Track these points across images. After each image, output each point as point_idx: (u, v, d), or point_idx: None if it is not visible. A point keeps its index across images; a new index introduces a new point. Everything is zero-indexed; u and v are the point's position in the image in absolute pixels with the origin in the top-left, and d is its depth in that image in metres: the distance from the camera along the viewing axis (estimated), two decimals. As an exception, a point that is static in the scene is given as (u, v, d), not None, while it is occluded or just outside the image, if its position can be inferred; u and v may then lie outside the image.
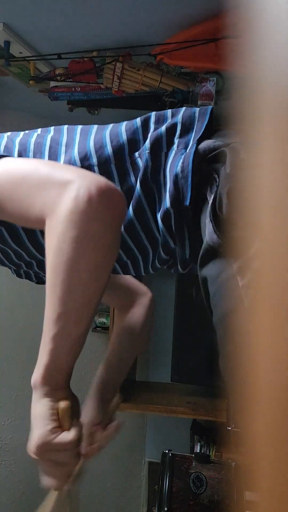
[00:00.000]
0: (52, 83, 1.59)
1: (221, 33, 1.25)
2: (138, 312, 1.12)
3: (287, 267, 0.21)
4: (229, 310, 0.63)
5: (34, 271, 0.91)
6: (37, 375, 0.63)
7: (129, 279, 1.12)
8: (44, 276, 0.94)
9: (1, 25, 1.31)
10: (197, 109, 0.80)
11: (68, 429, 0.63)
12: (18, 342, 2.03)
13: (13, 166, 0.67)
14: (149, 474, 2.34)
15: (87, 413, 0.93)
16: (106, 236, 0.60)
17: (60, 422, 0.63)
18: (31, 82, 1.52)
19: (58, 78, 1.52)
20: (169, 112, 0.81)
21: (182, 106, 1.59)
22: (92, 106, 1.69)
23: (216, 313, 0.68)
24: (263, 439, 0.22)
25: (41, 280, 0.98)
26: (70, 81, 1.53)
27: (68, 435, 0.61)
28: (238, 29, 0.25)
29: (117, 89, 1.48)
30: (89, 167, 0.74)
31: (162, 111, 0.82)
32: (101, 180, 0.60)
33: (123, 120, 0.81)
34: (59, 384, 0.63)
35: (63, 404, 0.62)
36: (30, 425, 0.61)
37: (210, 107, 0.80)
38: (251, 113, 0.24)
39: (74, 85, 1.58)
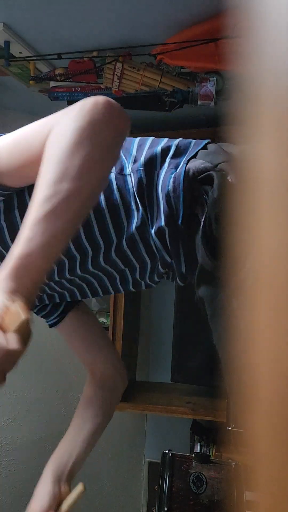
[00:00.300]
0: (52, 83, 1.59)
1: (221, 33, 1.25)
2: (114, 393, 1.06)
3: (281, 284, 0.21)
4: (226, 332, 0.64)
5: None
6: (6, 267, 0.53)
7: (109, 344, 1.07)
8: None
9: (1, 25, 1.31)
10: (194, 140, 0.82)
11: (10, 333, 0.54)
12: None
13: (11, 134, 0.69)
14: (149, 474, 2.34)
15: (39, 498, 0.87)
16: (107, 136, 0.60)
17: (4, 325, 0.55)
18: (31, 82, 1.52)
19: (58, 78, 1.52)
20: (165, 138, 0.82)
21: (182, 106, 1.59)
22: (92, 106, 1.69)
23: (216, 333, 0.69)
24: (263, 439, 0.22)
25: None
26: (70, 81, 1.53)
27: (9, 342, 0.55)
28: (238, 29, 0.25)
29: (117, 89, 1.48)
30: None
31: (159, 138, 0.83)
32: (105, 97, 0.62)
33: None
34: (24, 287, 0.53)
35: (15, 306, 0.53)
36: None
37: (207, 140, 0.82)
38: (251, 113, 0.24)
39: (74, 85, 1.58)
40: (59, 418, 2.03)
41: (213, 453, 1.87)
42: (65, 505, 0.88)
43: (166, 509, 1.08)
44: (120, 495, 2.29)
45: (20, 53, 1.43)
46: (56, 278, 0.81)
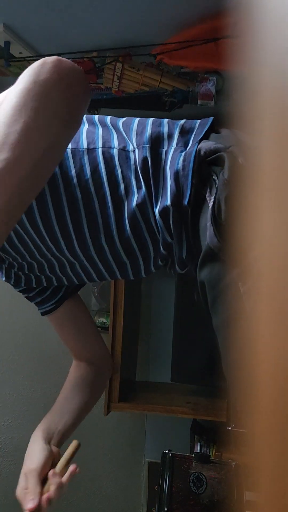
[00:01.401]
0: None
1: (221, 33, 1.25)
2: (100, 381, 1.06)
3: (287, 272, 0.21)
4: (230, 316, 0.63)
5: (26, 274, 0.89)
6: None
7: (99, 338, 1.07)
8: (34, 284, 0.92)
9: (1, 26, 1.31)
10: (198, 120, 0.81)
11: None
12: (18, 342, 2.03)
13: None
14: (149, 474, 2.34)
15: (35, 457, 0.83)
16: (55, 98, 0.55)
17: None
18: (31, 82, 1.52)
19: (58, 78, 1.52)
20: (167, 119, 0.81)
21: (181, 106, 1.59)
22: (92, 106, 1.69)
23: (217, 319, 0.68)
24: (264, 439, 0.22)
25: (28, 289, 0.96)
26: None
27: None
28: (238, 29, 0.25)
29: (117, 89, 1.48)
30: (93, 149, 0.75)
31: (161, 119, 0.82)
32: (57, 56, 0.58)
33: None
34: None
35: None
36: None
37: (211, 118, 0.80)
38: (251, 113, 0.24)
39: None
40: (59, 418, 2.02)
41: (213, 453, 1.87)
42: (63, 460, 0.85)
43: (166, 509, 1.08)
44: (120, 495, 2.29)
45: (20, 53, 1.43)
46: (57, 254, 0.80)
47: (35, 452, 0.84)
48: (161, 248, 0.78)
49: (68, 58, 1.48)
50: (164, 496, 1.10)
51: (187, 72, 1.48)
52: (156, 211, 0.73)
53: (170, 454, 1.17)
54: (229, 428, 1.46)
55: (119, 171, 0.73)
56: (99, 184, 0.73)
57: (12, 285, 0.94)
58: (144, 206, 0.73)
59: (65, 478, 0.81)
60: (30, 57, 1.44)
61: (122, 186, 0.73)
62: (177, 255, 0.78)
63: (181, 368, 2.01)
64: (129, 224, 0.74)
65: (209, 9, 1.22)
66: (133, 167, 0.73)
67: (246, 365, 0.24)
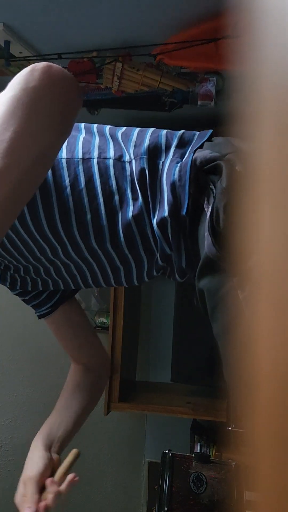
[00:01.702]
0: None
1: (221, 33, 1.25)
2: (98, 384, 1.06)
3: (286, 277, 0.21)
4: (231, 322, 0.63)
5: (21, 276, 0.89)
6: None
7: (97, 341, 1.07)
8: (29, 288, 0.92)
9: (1, 25, 1.31)
10: (198, 132, 0.80)
11: None
12: (18, 342, 2.03)
13: None
14: (149, 474, 2.34)
15: (34, 464, 0.83)
16: (46, 105, 0.55)
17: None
18: (31, 82, 1.52)
19: (58, 78, 1.52)
20: (166, 130, 0.81)
21: (181, 107, 1.59)
22: (92, 106, 1.69)
23: (218, 326, 0.68)
24: (264, 439, 0.22)
25: (23, 292, 0.95)
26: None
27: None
28: (238, 29, 0.25)
29: (117, 89, 1.48)
30: (88, 159, 0.74)
31: (160, 129, 0.81)
32: (47, 62, 0.57)
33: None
34: None
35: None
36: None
37: (210, 131, 0.80)
38: (251, 114, 0.24)
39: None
40: (59, 418, 2.03)
41: (213, 453, 1.87)
42: (62, 468, 0.84)
43: (166, 509, 1.08)
44: (120, 495, 2.29)
45: (20, 53, 1.43)
46: (52, 258, 0.79)
47: (35, 460, 0.84)
48: (159, 260, 0.78)
49: (68, 58, 1.49)
50: (164, 496, 1.10)
51: (187, 72, 1.48)
52: (154, 222, 0.73)
53: (170, 454, 1.17)
54: (229, 428, 1.46)
55: (113, 182, 0.73)
56: (92, 194, 0.72)
57: (7, 287, 0.94)
58: (141, 217, 0.73)
59: (63, 487, 0.81)
60: (30, 56, 1.44)
61: (116, 197, 0.73)
62: (177, 264, 0.78)
63: (181, 368, 2.01)
64: (123, 234, 0.74)
65: (209, 9, 1.22)
66: (129, 178, 0.73)
67: (246, 371, 0.24)
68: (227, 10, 1.01)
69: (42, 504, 0.77)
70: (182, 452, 1.19)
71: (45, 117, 0.55)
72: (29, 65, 0.59)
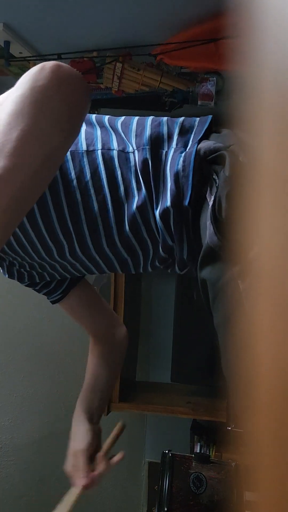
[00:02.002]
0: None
1: (221, 33, 1.25)
2: (117, 346, 1.10)
3: (286, 269, 0.21)
4: (230, 314, 0.63)
5: (28, 271, 0.89)
6: None
7: (108, 309, 1.11)
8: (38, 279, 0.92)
9: (1, 25, 1.31)
10: (198, 118, 0.80)
11: None
12: (18, 342, 2.03)
13: None
14: (149, 474, 2.34)
15: (81, 437, 0.90)
16: (54, 105, 0.54)
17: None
18: (31, 82, 1.52)
19: (58, 78, 1.52)
20: (166, 117, 0.81)
21: (182, 106, 1.59)
22: (92, 106, 1.68)
23: (217, 316, 0.67)
24: (263, 439, 0.22)
25: (31, 283, 0.96)
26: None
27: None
28: (238, 29, 0.25)
29: (117, 89, 1.48)
30: (93, 151, 0.74)
31: (159, 117, 0.81)
32: (56, 61, 0.57)
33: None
34: None
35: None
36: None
37: (210, 116, 0.80)
38: (251, 114, 0.24)
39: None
40: (59, 418, 2.02)
41: (213, 453, 1.87)
42: (108, 441, 0.92)
43: (166, 509, 1.08)
44: (120, 495, 2.29)
45: (20, 53, 1.43)
46: (57, 258, 0.80)
47: (82, 433, 0.91)
48: (161, 251, 0.78)
49: (68, 58, 1.49)
50: (164, 496, 1.10)
51: (187, 72, 1.48)
52: (157, 213, 0.72)
53: (170, 454, 1.17)
54: (229, 428, 1.46)
55: (119, 173, 0.73)
56: (99, 186, 0.73)
57: (17, 280, 0.95)
58: (144, 208, 0.73)
59: (114, 460, 0.90)
60: (30, 57, 1.44)
61: (122, 188, 0.73)
62: (178, 256, 0.78)
63: (181, 368, 2.01)
64: (128, 226, 0.74)
65: (209, 9, 1.22)
66: (133, 168, 0.73)
67: (245, 363, 0.24)
68: (227, 10, 1.01)
69: (96, 473, 0.86)
70: (182, 452, 1.19)
71: (53, 116, 0.54)
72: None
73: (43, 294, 0.99)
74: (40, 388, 2.04)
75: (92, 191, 0.73)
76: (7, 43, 1.38)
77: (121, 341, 1.11)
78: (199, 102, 1.49)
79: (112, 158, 0.73)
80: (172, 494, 1.10)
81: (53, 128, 0.54)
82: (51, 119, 0.54)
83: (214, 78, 1.46)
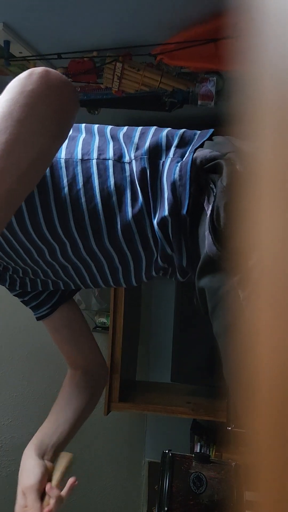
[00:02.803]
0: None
1: (221, 33, 1.25)
2: (96, 389, 1.04)
3: (286, 277, 0.21)
4: (231, 323, 0.63)
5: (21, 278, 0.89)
6: None
7: (94, 344, 1.05)
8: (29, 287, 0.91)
9: (1, 25, 1.31)
10: (199, 131, 0.80)
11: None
12: (18, 342, 2.03)
13: None
14: (149, 474, 2.34)
15: (30, 473, 0.83)
16: (42, 109, 0.55)
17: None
18: (31, 82, 1.52)
19: (58, 78, 1.52)
20: (168, 128, 0.80)
21: (182, 106, 1.59)
22: (92, 106, 1.69)
23: (218, 325, 0.67)
24: (263, 439, 0.22)
25: (22, 291, 0.95)
26: (70, 81, 1.53)
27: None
28: (238, 29, 0.25)
29: (117, 89, 1.48)
30: (88, 160, 0.74)
31: (162, 128, 0.81)
32: (45, 67, 0.58)
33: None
34: None
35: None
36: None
37: (211, 130, 0.80)
38: (251, 114, 0.24)
39: (74, 85, 1.58)
40: (59, 418, 2.03)
41: (213, 453, 1.87)
42: (58, 472, 0.84)
43: (166, 509, 1.08)
44: (120, 495, 2.29)
45: (20, 53, 1.43)
46: (49, 260, 0.80)
47: (31, 468, 0.84)
48: (159, 260, 0.78)
49: (68, 58, 1.49)
50: (164, 496, 1.10)
51: (187, 72, 1.48)
52: (155, 222, 0.73)
53: (170, 454, 1.17)
54: (229, 428, 1.46)
55: (112, 183, 0.73)
56: (90, 195, 0.72)
57: (7, 288, 0.93)
58: (141, 217, 0.73)
59: (64, 491, 0.81)
60: (30, 56, 1.44)
61: (114, 197, 0.73)
62: (178, 264, 0.78)
63: (181, 368, 2.01)
64: (122, 235, 0.74)
65: (209, 10, 1.22)
66: (128, 178, 0.73)
67: (246, 371, 0.24)
68: (227, 10, 1.01)
69: (46, 510, 0.78)
70: (182, 452, 1.19)
71: (42, 120, 0.55)
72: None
73: (31, 307, 0.97)
74: (40, 388, 2.04)
75: (83, 199, 0.73)
76: (7, 43, 1.38)
77: (100, 381, 1.06)
78: (199, 102, 1.49)
79: (107, 167, 0.73)
80: (172, 494, 1.10)
81: (41, 131, 0.55)
82: (39, 122, 0.55)
83: (214, 78, 1.46)
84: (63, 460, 0.87)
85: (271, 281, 0.22)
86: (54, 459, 0.89)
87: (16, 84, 0.56)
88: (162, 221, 0.72)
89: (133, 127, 0.81)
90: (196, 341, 1.93)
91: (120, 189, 0.73)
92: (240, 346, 0.27)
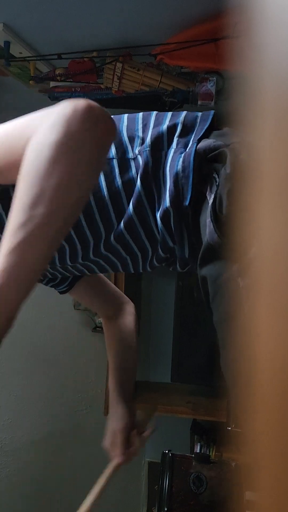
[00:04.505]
0: (52, 83, 1.59)
1: (221, 33, 1.25)
2: (129, 320, 1.15)
3: (287, 268, 0.21)
4: (230, 311, 0.63)
5: None
6: None
7: (113, 288, 1.16)
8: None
9: (1, 25, 1.31)
10: (200, 113, 0.80)
11: None
12: (18, 342, 2.03)
13: None
14: (149, 474, 2.34)
15: (119, 418, 1.01)
16: (87, 150, 0.55)
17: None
18: (31, 82, 1.52)
19: (58, 78, 1.52)
20: (169, 113, 0.80)
21: (182, 106, 1.59)
22: (92, 106, 1.69)
23: (217, 314, 0.67)
24: (264, 439, 0.22)
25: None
26: (70, 81, 1.53)
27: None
28: (238, 29, 0.25)
29: (117, 89, 1.48)
30: None
31: (163, 112, 0.81)
32: (87, 100, 0.58)
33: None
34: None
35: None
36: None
37: (212, 112, 0.79)
38: (251, 113, 0.24)
39: (74, 85, 1.58)
40: (59, 418, 2.02)
41: (213, 453, 1.87)
42: (143, 421, 1.03)
43: (166, 509, 1.08)
44: (120, 495, 2.29)
45: (20, 53, 1.43)
46: (58, 266, 0.82)
47: (120, 414, 1.02)
48: (160, 251, 0.78)
49: (68, 58, 1.49)
50: (164, 496, 1.10)
51: (187, 72, 1.48)
52: (157, 214, 0.73)
53: (170, 454, 1.17)
54: (229, 428, 1.46)
55: (119, 182, 0.73)
56: (99, 196, 0.73)
57: None
58: (143, 210, 0.73)
59: (146, 433, 1.01)
60: (30, 57, 1.44)
61: (123, 194, 0.73)
62: (179, 255, 0.78)
63: (181, 368, 2.01)
64: (124, 226, 0.75)
65: (209, 10, 1.22)
66: (135, 175, 0.73)
67: (244, 361, 0.24)
68: (227, 10, 1.01)
69: (132, 449, 0.98)
70: (182, 452, 1.19)
71: (88, 162, 0.56)
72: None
73: (50, 286, 1.03)
74: (40, 388, 2.04)
75: (93, 205, 0.73)
76: (7, 43, 1.38)
77: (132, 315, 1.16)
78: (199, 102, 1.49)
79: (112, 168, 0.74)
80: (172, 494, 1.10)
81: (87, 173, 0.56)
82: (86, 165, 0.55)
83: (214, 78, 1.46)
84: (149, 410, 1.10)
85: (271, 270, 0.22)
86: (132, 397, 1.07)
87: (61, 121, 0.55)
88: (164, 213, 0.72)
89: (133, 116, 0.80)
90: (196, 341, 1.93)
91: (128, 186, 0.73)
92: (239, 335, 0.27)
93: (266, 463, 0.22)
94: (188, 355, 2.01)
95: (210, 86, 1.46)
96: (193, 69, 1.45)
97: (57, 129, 0.54)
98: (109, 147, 0.62)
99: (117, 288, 1.18)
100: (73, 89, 1.59)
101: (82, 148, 0.55)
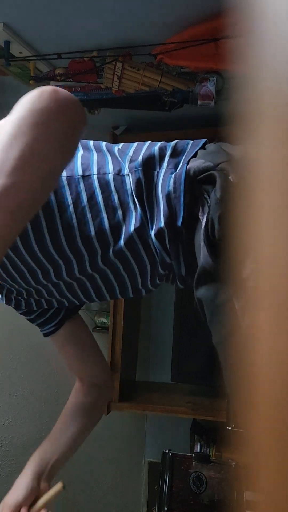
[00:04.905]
0: (52, 83, 1.59)
1: (221, 33, 1.25)
2: (101, 403, 1.07)
3: (282, 286, 0.21)
4: (228, 332, 0.63)
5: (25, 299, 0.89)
6: None
7: (99, 354, 1.06)
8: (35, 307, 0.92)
9: (1, 25, 1.31)
10: (191, 141, 0.81)
11: None
12: (18, 342, 2.03)
13: None
14: (149, 474, 2.34)
15: (16, 491, 0.86)
16: (52, 127, 0.56)
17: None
18: (31, 82, 1.52)
19: (58, 78, 1.52)
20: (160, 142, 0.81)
21: (182, 106, 1.59)
22: (92, 106, 1.69)
23: (216, 335, 0.68)
24: (263, 439, 0.22)
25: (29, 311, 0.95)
26: (70, 81, 1.53)
27: None
28: (238, 29, 0.25)
29: (117, 89, 1.48)
30: (89, 176, 0.75)
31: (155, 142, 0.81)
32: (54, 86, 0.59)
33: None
34: None
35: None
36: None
37: (204, 140, 0.80)
38: (251, 114, 0.24)
39: (74, 85, 1.58)
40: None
41: (213, 453, 1.87)
42: (41, 500, 0.87)
43: (166, 509, 1.08)
44: (120, 495, 2.29)
45: (20, 53, 1.43)
46: (54, 280, 0.80)
47: (20, 487, 0.87)
48: (160, 268, 0.79)
49: (68, 58, 1.49)
50: (164, 496, 1.10)
51: (187, 72, 1.48)
52: (152, 233, 0.73)
53: (170, 454, 1.17)
54: (229, 428, 1.46)
55: (115, 197, 0.73)
56: (96, 210, 0.73)
57: (13, 308, 0.94)
58: (142, 228, 0.74)
59: None
60: (30, 56, 1.44)
61: (119, 211, 0.73)
62: (177, 272, 0.79)
63: (181, 368, 2.01)
64: (125, 246, 0.74)
65: (209, 9, 1.22)
66: (129, 191, 0.74)
67: (245, 380, 0.24)
68: (227, 10, 1.01)
69: None
70: (182, 452, 1.20)
71: (52, 137, 0.56)
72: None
73: (37, 325, 0.98)
74: (40, 388, 2.04)
75: (89, 215, 0.73)
76: (7, 43, 1.38)
77: (106, 395, 1.08)
78: (199, 102, 1.49)
79: (108, 182, 0.74)
80: (172, 494, 1.10)
81: (51, 148, 0.56)
82: (49, 140, 0.56)
83: (214, 78, 1.46)
84: (52, 489, 0.89)
85: (265, 290, 0.22)
86: (51, 478, 0.92)
87: (25, 102, 0.57)
88: (159, 232, 0.73)
89: (128, 143, 0.81)
90: (196, 341, 1.93)
91: (124, 202, 0.74)
92: (238, 357, 0.27)
93: (266, 463, 0.22)
94: (188, 355, 2.01)
95: (210, 86, 1.46)
96: (193, 69, 1.45)
97: (22, 108, 0.56)
98: (78, 130, 0.61)
99: (105, 361, 1.08)
100: (73, 89, 1.59)
101: (46, 123, 0.55)
